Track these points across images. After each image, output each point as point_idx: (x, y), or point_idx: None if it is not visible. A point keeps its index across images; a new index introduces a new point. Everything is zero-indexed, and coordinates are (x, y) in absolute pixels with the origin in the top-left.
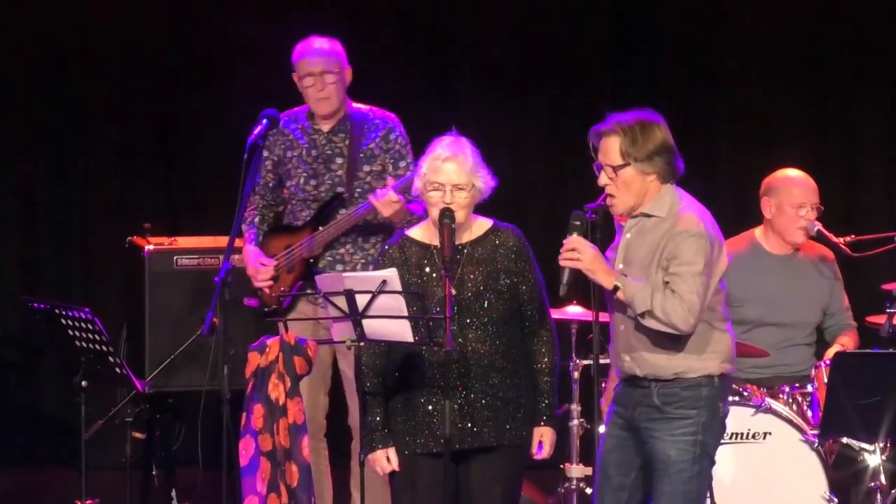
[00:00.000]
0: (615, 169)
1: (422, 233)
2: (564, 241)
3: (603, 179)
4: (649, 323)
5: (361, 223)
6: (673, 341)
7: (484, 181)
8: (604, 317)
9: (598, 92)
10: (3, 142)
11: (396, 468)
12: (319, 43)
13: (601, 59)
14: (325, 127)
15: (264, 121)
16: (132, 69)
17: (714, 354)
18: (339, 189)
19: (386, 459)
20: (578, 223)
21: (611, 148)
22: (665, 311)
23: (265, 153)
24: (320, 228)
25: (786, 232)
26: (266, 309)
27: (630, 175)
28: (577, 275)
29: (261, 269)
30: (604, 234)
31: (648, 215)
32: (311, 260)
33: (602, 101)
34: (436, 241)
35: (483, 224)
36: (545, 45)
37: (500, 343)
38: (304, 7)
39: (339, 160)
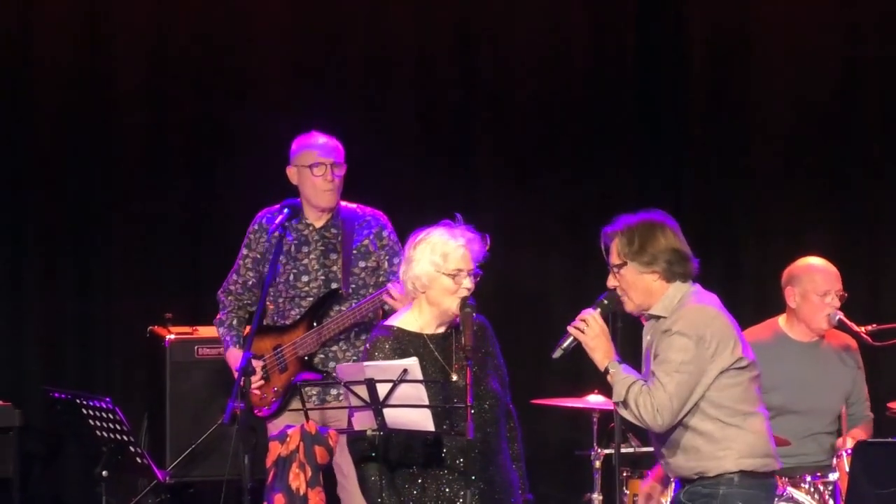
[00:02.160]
0: (615, 268)
1: (411, 322)
2: (582, 311)
3: (610, 281)
4: (624, 413)
5: (360, 319)
6: (687, 443)
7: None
8: None
9: (621, 183)
10: (26, 229)
11: None
12: (326, 137)
13: (624, 151)
14: (318, 223)
15: (285, 210)
16: (158, 158)
17: (729, 452)
18: (334, 285)
19: None
20: (606, 302)
21: (613, 249)
22: (637, 405)
23: (244, 251)
24: (315, 325)
25: (811, 320)
26: (257, 411)
27: (630, 274)
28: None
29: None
30: (626, 322)
31: (657, 317)
32: (307, 358)
33: (625, 193)
34: (426, 331)
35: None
36: (567, 137)
37: (497, 426)
38: (327, 95)
39: (334, 255)
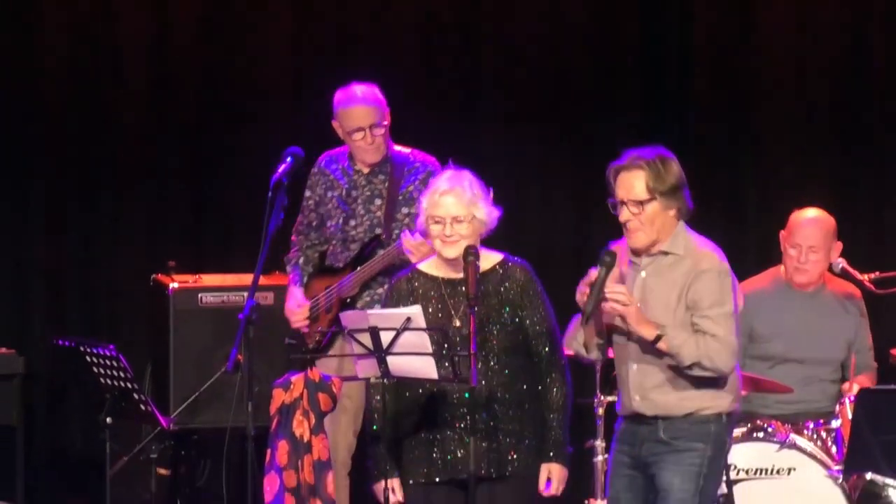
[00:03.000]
0: (641, 203)
1: (431, 266)
2: (590, 273)
3: (625, 215)
4: (696, 372)
5: (398, 263)
6: (687, 382)
7: (486, 212)
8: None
9: (626, 129)
10: (32, 180)
11: (400, 499)
12: (363, 92)
13: (630, 98)
14: (366, 168)
15: (288, 158)
16: (161, 108)
17: (726, 393)
18: (378, 230)
19: (390, 490)
20: (609, 259)
21: (634, 183)
22: (710, 358)
23: (307, 192)
24: (357, 269)
25: (786, 267)
26: (304, 349)
27: (655, 210)
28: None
29: (296, 310)
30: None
31: (666, 253)
32: (348, 300)
33: (630, 139)
34: (443, 274)
35: (492, 258)
36: (573, 81)
37: (504, 376)
38: (331, 43)
39: (378, 201)
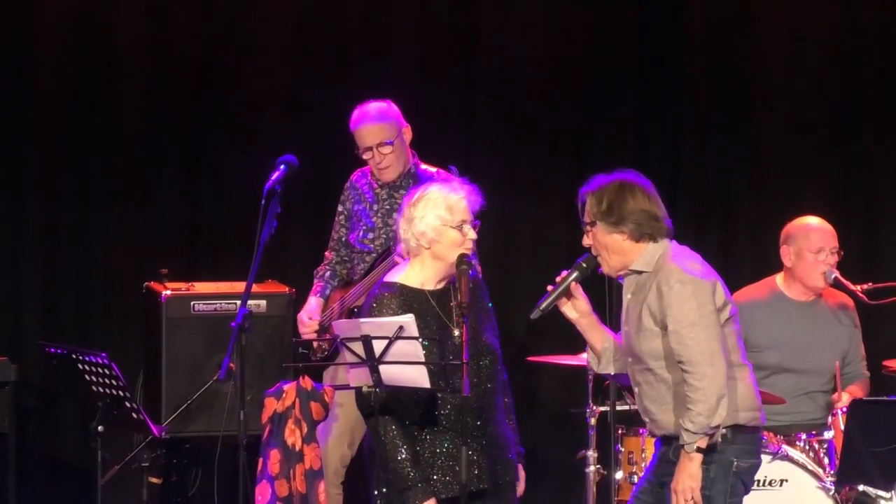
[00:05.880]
0: (587, 227)
1: (412, 278)
2: (563, 273)
3: (585, 240)
4: (714, 420)
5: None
6: (679, 402)
7: None
8: None
9: (622, 140)
10: (25, 186)
11: None
12: (371, 110)
13: (626, 108)
14: (389, 181)
15: (282, 167)
16: (156, 115)
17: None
18: (391, 243)
19: None
20: (584, 265)
21: (586, 208)
22: (703, 415)
23: (339, 207)
24: (363, 279)
25: (807, 278)
26: (314, 357)
27: (599, 234)
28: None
29: (306, 321)
30: (612, 286)
31: (638, 272)
32: (355, 310)
33: (625, 149)
34: (428, 286)
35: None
36: (570, 92)
37: (493, 383)
38: (330, 53)
39: (396, 215)
